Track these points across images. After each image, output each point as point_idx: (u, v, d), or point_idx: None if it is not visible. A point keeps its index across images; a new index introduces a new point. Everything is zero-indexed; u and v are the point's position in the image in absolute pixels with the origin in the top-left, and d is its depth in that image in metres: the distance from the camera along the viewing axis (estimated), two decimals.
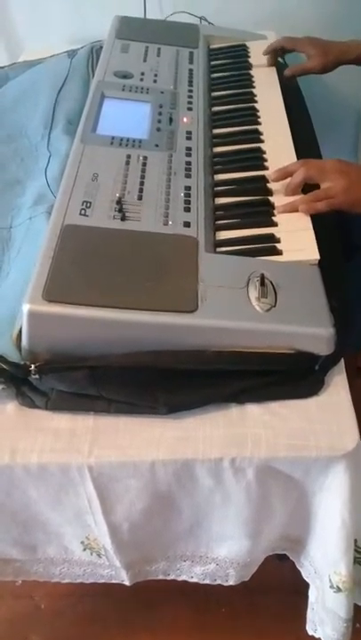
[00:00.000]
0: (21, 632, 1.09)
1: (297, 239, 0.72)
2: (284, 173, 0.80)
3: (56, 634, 1.10)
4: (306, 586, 0.81)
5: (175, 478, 0.63)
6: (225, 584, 0.79)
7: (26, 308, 0.60)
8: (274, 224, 0.75)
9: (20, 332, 0.63)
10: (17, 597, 1.13)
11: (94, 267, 0.65)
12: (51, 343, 0.62)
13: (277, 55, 1.11)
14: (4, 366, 0.62)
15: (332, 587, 0.70)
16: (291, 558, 0.81)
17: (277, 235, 0.73)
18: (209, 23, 1.40)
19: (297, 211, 0.76)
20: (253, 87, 1.05)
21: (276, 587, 1.09)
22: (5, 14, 1.48)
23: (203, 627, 1.08)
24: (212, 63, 1.13)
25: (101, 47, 1.17)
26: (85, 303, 0.60)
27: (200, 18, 1.40)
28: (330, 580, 0.70)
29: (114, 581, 0.80)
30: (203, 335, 0.62)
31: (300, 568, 0.80)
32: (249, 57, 1.14)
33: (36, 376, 0.62)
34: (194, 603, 1.09)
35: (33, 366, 0.61)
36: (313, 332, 0.63)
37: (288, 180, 0.79)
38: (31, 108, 1.10)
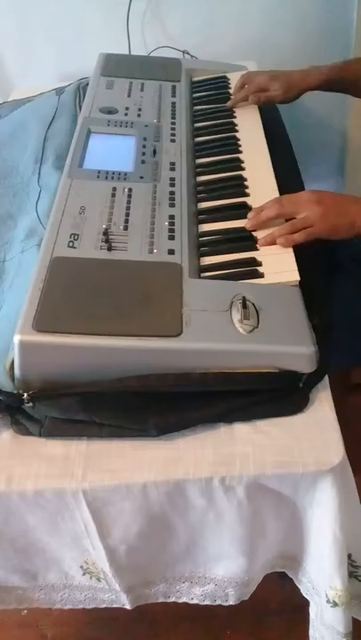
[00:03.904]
0: None
1: (277, 262, 0.75)
2: (258, 212, 0.80)
3: None
4: (308, 603, 0.82)
5: (167, 499, 0.64)
6: (225, 604, 0.80)
7: (17, 338, 0.62)
8: (255, 248, 0.78)
9: (13, 362, 0.65)
10: (23, 627, 1.13)
11: (82, 296, 0.67)
12: (42, 372, 0.64)
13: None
14: (0, 397, 0.64)
15: (328, 602, 0.70)
16: (289, 576, 0.81)
17: (259, 258, 0.76)
18: (192, 56, 1.45)
19: (275, 243, 0.77)
20: (234, 117, 1.09)
21: (279, 606, 1.09)
22: None
23: None
24: (195, 95, 1.17)
25: (88, 84, 1.21)
26: (74, 332, 0.63)
27: (183, 52, 1.45)
28: (326, 596, 0.71)
29: (115, 606, 0.80)
30: (188, 358, 0.64)
31: (298, 585, 0.81)
32: (229, 88, 1.18)
33: (30, 404, 0.64)
34: (198, 626, 1.09)
35: (26, 395, 0.64)
36: (295, 350, 0.65)
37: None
38: (22, 144, 1.14)
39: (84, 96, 1.17)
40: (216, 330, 0.65)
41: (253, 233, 0.80)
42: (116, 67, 1.21)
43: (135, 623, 1.09)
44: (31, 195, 1.00)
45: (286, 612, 1.08)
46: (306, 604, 0.82)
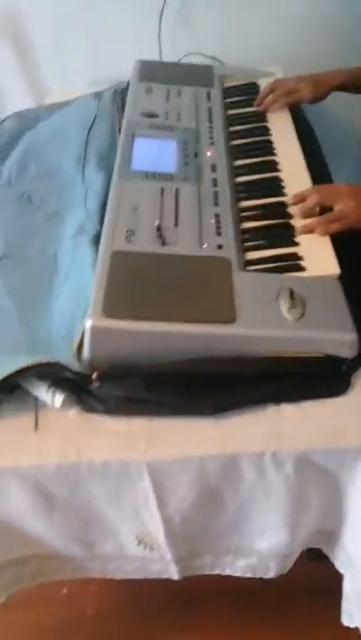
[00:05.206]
0: (71, 638, 1.15)
1: (318, 256, 0.81)
2: (300, 199, 0.89)
3: (103, 638, 1.15)
4: (335, 586, 0.87)
5: (222, 472, 0.70)
6: (266, 576, 0.85)
7: (88, 323, 0.68)
8: (296, 244, 0.84)
9: (80, 345, 0.71)
10: (64, 605, 1.18)
11: (143, 286, 0.73)
12: (109, 354, 0.70)
13: None
14: (70, 376, 0.70)
15: None
16: (325, 552, 0.87)
17: (300, 253, 0.82)
18: (220, 63, 1.51)
19: (314, 232, 0.84)
20: (267, 121, 1.15)
21: (308, 587, 1.14)
22: (31, 60, 1.60)
23: (240, 625, 1.13)
24: (227, 101, 1.23)
25: (123, 88, 1.27)
26: (139, 317, 0.69)
27: (212, 58, 1.51)
28: None
29: (164, 576, 0.86)
30: (242, 343, 0.70)
31: (333, 561, 0.86)
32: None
33: (97, 383, 0.70)
34: (231, 603, 1.14)
35: (94, 374, 0.70)
36: (339, 337, 0.71)
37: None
38: (64, 146, 1.20)
39: (121, 100, 1.23)
40: (267, 318, 0.71)
41: (291, 222, 0.87)
42: (153, 73, 1.27)
43: (169, 600, 1.15)
44: (76, 194, 1.06)
45: (315, 593, 1.13)
46: (333, 585, 0.87)
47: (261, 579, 0.86)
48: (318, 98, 1.16)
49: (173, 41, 1.55)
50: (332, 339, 0.72)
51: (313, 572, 1.01)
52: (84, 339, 0.71)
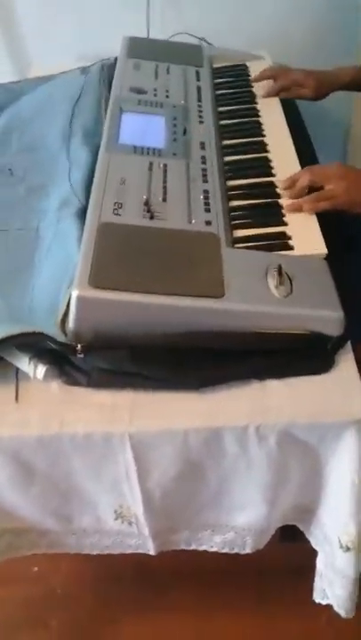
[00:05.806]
0: (40, 616, 1.14)
1: (306, 236, 0.81)
2: (291, 181, 0.89)
3: (72, 617, 1.15)
4: (306, 566, 0.88)
5: (205, 445, 0.70)
6: (242, 552, 0.86)
7: (74, 293, 0.67)
8: (285, 223, 0.84)
9: (65, 316, 0.70)
10: (34, 582, 1.17)
11: (131, 258, 0.72)
12: (95, 325, 0.69)
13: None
14: (53, 346, 0.69)
15: (341, 547, 0.77)
16: (301, 529, 0.88)
17: (288, 232, 0.82)
18: (208, 44, 1.50)
19: (302, 209, 0.85)
20: (256, 103, 1.14)
21: (280, 567, 1.15)
22: (14, 33, 1.57)
23: (212, 604, 1.14)
24: (216, 81, 1.22)
25: (111, 64, 1.25)
26: (127, 289, 0.68)
27: (200, 39, 1.50)
28: (339, 541, 0.77)
29: (140, 551, 0.86)
30: (229, 318, 0.70)
31: (309, 537, 0.87)
32: (249, 76, 1.24)
33: (81, 355, 0.69)
34: (203, 582, 1.15)
35: (79, 345, 0.69)
36: (325, 314, 0.72)
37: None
38: (48, 119, 1.18)
39: (108, 76, 1.21)
40: (255, 294, 0.71)
41: (279, 201, 0.87)
42: (142, 50, 1.25)
43: (141, 581, 1.14)
44: (60, 168, 1.04)
45: (286, 573, 1.14)
46: (303, 566, 0.89)
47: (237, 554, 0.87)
48: (318, 98, 1.16)
49: (162, 20, 1.54)
50: (319, 316, 0.72)
51: (285, 552, 1.03)
52: (68, 310, 0.70)
